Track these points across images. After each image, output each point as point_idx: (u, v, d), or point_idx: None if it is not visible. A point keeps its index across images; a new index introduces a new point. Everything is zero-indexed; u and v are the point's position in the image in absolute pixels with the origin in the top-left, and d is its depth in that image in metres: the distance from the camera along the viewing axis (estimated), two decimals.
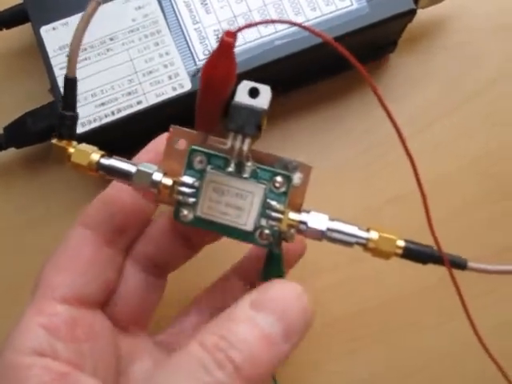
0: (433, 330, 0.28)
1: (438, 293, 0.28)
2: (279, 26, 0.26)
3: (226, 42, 0.15)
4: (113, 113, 0.26)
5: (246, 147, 0.17)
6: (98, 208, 0.20)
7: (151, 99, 0.26)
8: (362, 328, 0.28)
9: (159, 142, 0.21)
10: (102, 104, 0.26)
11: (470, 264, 0.18)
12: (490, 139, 0.30)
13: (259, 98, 0.17)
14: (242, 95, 0.17)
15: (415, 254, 0.18)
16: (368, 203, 0.29)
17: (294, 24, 0.16)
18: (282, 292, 0.17)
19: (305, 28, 0.16)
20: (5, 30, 0.29)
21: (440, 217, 0.29)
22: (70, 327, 0.18)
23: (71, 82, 0.18)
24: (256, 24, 0.16)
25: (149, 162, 0.19)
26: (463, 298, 0.18)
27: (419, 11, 0.28)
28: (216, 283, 0.23)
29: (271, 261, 0.20)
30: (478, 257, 0.28)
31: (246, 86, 0.17)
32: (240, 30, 0.15)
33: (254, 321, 0.16)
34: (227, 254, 0.23)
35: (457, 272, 0.18)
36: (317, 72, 0.30)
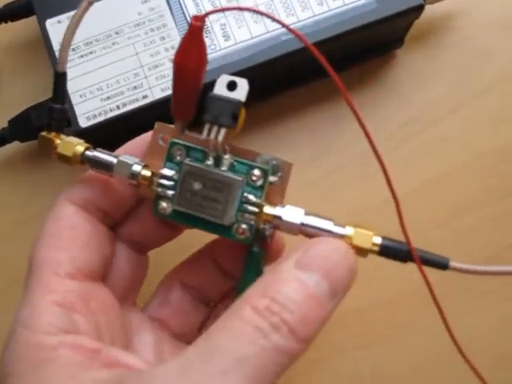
0: (437, 327, 0.28)
1: (443, 291, 0.28)
2: (286, 21, 0.26)
3: (195, 26, 0.16)
4: (118, 107, 0.25)
5: (220, 138, 0.17)
6: (85, 188, 0.20)
7: (157, 93, 0.26)
8: (367, 325, 0.28)
9: (141, 140, 0.21)
10: (108, 98, 0.25)
11: (452, 264, 0.17)
12: (498, 135, 0.30)
13: (236, 90, 0.17)
14: (220, 88, 0.17)
15: (392, 251, 0.18)
16: (365, 204, 0.29)
17: (267, 16, 0.16)
18: (326, 250, 0.17)
19: (279, 23, 0.16)
20: (10, 23, 0.29)
21: (445, 212, 0.29)
22: (85, 302, 0.18)
23: (61, 77, 0.19)
24: (223, 10, 0.17)
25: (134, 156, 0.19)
26: (438, 301, 0.17)
27: (427, 7, 0.27)
28: (189, 260, 0.23)
29: (250, 259, 0.20)
30: (482, 254, 0.28)
31: (224, 79, 0.17)
32: (207, 14, 0.16)
33: (301, 280, 0.16)
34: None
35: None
36: (319, 70, 0.29)
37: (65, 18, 0.26)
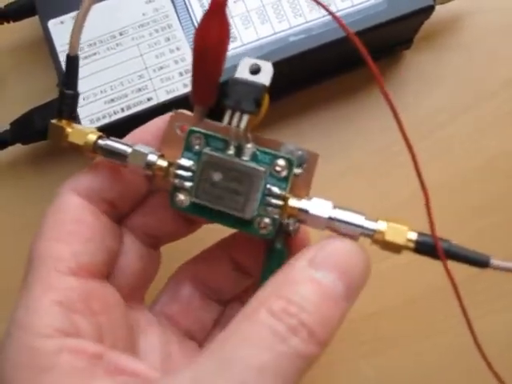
0: (444, 335, 0.28)
1: (453, 295, 0.28)
2: (294, 22, 0.26)
3: (217, 2, 0.14)
4: (122, 109, 0.25)
5: (243, 125, 0.16)
6: (91, 178, 0.19)
7: (162, 96, 0.25)
8: (372, 332, 0.28)
9: (152, 125, 0.20)
10: (112, 100, 0.25)
11: (494, 262, 0.16)
12: (507, 138, 0.29)
13: (260, 74, 0.16)
14: (242, 72, 0.16)
15: (429, 248, 0.16)
16: (381, 203, 0.29)
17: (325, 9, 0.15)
18: (341, 249, 0.16)
19: (335, 17, 0.16)
20: (12, 23, 0.28)
21: (457, 216, 0.29)
22: (85, 301, 0.17)
23: (73, 61, 0.18)
24: None
25: (145, 143, 0.18)
26: (462, 302, 0.16)
27: (436, 7, 0.27)
28: (203, 255, 0.22)
29: (273, 257, 0.18)
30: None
31: (246, 62, 0.16)
32: None
33: (316, 280, 0.15)
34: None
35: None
36: (330, 69, 0.29)
37: (68, 19, 0.26)
